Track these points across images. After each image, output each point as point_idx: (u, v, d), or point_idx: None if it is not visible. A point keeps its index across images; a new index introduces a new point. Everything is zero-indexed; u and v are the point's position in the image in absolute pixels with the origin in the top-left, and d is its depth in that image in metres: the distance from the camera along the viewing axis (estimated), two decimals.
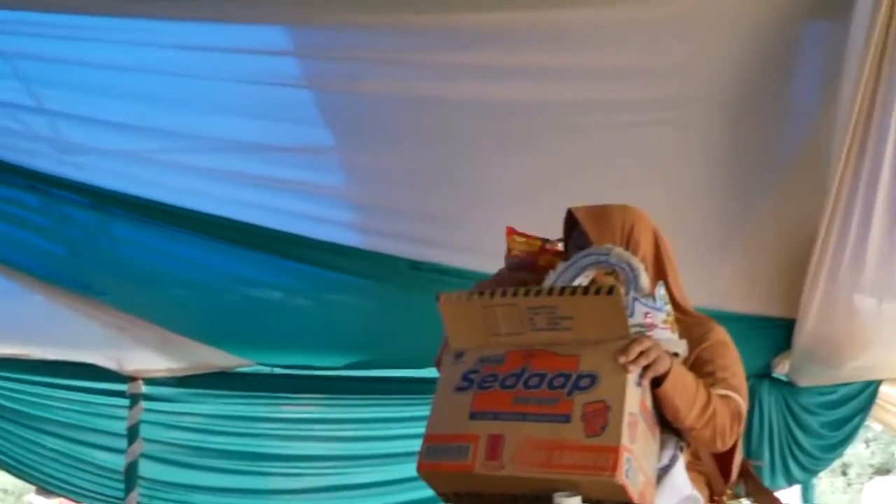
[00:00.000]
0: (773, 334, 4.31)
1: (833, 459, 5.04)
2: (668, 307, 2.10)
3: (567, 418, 1.85)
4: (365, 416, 4.74)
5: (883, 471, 13.08)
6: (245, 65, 3.22)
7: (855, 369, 4.48)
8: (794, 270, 3.95)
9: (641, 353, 1.90)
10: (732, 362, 2.24)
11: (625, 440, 1.82)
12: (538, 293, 2.00)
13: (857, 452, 12.97)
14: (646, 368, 1.92)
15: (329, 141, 3.56)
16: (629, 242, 2.30)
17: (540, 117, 3.37)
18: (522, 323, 2.00)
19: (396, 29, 3.18)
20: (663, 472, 2.06)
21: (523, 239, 2.48)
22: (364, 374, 4.57)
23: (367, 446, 4.81)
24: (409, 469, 4.69)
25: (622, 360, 1.88)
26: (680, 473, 2.12)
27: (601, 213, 2.35)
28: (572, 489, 1.83)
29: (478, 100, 3.33)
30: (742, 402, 2.17)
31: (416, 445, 4.28)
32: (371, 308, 4.02)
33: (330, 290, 3.93)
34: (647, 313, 2.03)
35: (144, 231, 3.65)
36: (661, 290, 2.09)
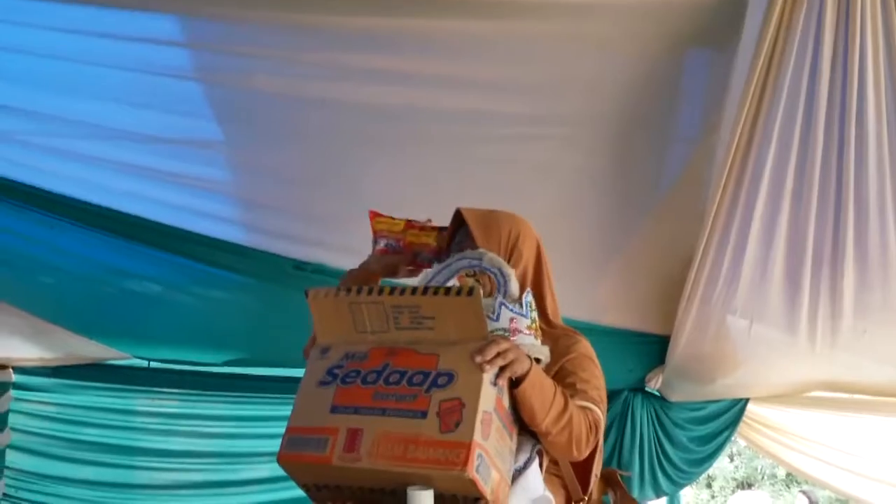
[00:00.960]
0: (647, 350, 4.42)
1: (700, 473, 5.17)
2: (534, 314, 2.15)
3: (423, 414, 1.90)
4: (242, 414, 4.67)
5: (746, 485, 13.48)
6: (134, 53, 3.16)
7: (724, 387, 4.60)
8: (671, 289, 4.05)
9: (498, 354, 1.94)
10: (594, 376, 2.29)
11: (477, 437, 1.86)
12: (403, 292, 2.03)
13: (721, 466, 13.33)
14: (503, 369, 1.96)
15: (217, 135, 3.51)
16: (513, 251, 2.34)
17: (430, 124, 3.39)
18: (387, 321, 2.04)
19: (290, 27, 3.16)
20: (517, 473, 2.10)
21: (386, 220, 2.50)
22: (243, 372, 4.52)
23: (244, 444, 4.75)
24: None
25: (478, 359, 1.92)
26: (534, 475, 2.15)
27: (490, 218, 2.39)
28: (425, 483, 1.87)
29: (369, 103, 3.33)
30: (601, 415, 2.21)
31: None
32: (253, 306, 3.97)
33: (211, 287, 3.87)
34: (512, 318, 2.08)
35: (18, 216, 3.53)
36: (528, 297, 2.14)
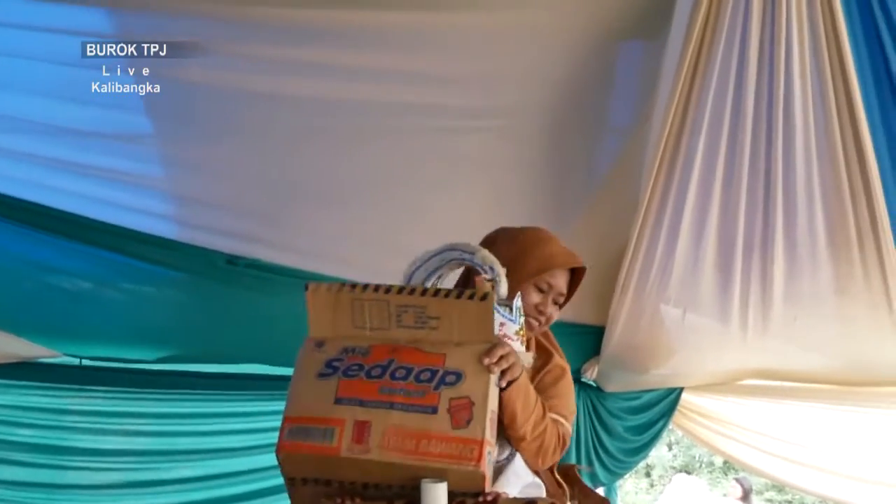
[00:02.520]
0: (583, 341, 4.44)
1: (636, 463, 5.21)
2: (522, 320, 2.18)
3: (434, 409, 1.93)
4: (176, 411, 4.59)
5: (684, 473, 13.69)
6: (64, 46, 3.11)
7: (659, 376, 4.65)
8: (605, 280, 4.08)
9: (502, 357, 1.99)
10: (568, 392, 2.36)
11: (487, 435, 1.92)
12: (412, 292, 2.05)
13: (660, 454, 13.54)
14: (503, 372, 2.01)
15: (148, 129, 3.46)
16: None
17: (364, 118, 3.38)
18: (389, 319, 2.05)
19: (225, 20, 3.13)
20: (507, 462, 2.19)
21: None
22: (175, 369, 4.45)
23: (178, 441, 4.69)
24: (216, 466, 4.57)
25: (486, 361, 1.97)
26: (520, 463, 2.22)
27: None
28: (435, 477, 1.90)
29: (304, 97, 3.33)
30: (570, 431, 2.30)
31: (226, 442, 4.15)
32: (184, 301, 3.91)
33: (142, 282, 3.80)
34: (502, 323, 2.11)
35: None
36: (517, 303, 2.16)
